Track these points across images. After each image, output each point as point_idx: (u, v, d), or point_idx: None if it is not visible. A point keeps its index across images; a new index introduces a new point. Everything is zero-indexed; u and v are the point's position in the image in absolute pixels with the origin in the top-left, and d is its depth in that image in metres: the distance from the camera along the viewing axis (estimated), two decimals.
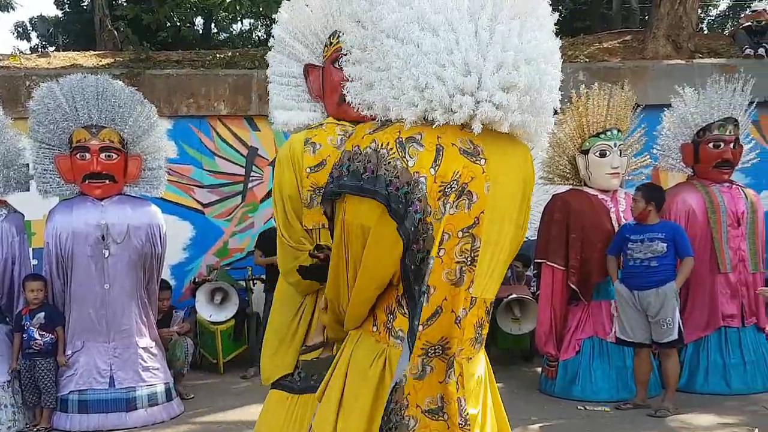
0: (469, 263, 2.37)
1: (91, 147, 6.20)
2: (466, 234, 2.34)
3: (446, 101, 2.27)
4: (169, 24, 15.43)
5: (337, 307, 2.58)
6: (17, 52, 11.82)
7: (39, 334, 6.07)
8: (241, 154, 9.48)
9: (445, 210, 2.29)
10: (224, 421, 6.40)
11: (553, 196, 7.14)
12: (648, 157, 7.67)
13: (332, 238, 2.54)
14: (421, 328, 2.36)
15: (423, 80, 2.27)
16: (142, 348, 6.35)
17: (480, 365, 2.54)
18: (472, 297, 2.41)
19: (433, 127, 2.31)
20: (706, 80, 7.30)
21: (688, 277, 6.56)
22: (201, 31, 18.38)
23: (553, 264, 6.95)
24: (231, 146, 9.47)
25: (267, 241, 8.11)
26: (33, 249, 7.33)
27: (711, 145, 7.19)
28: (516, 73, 2.26)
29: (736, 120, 7.20)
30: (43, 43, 20.94)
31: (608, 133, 6.97)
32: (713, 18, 21.89)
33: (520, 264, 8.30)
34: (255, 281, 8.70)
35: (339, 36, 3.77)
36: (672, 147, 7.47)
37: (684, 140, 7.35)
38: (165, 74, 9.52)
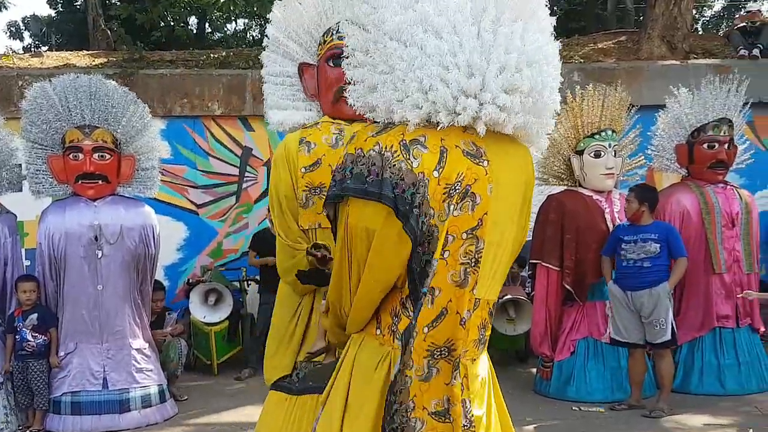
0: (473, 265, 2.38)
1: (84, 147, 6.18)
2: (470, 236, 2.36)
3: (450, 103, 2.29)
4: (162, 24, 15.39)
5: (339, 310, 2.58)
6: (10, 52, 11.78)
7: (32, 336, 6.03)
8: (236, 155, 9.45)
9: (449, 212, 2.31)
10: (218, 423, 6.38)
11: (548, 196, 7.13)
12: (642, 157, 7.69)
13: (335, 241, 2.54)
14: (426, 329, 2.38)
15: (427, 82, 2.28)
16: (136, 349, 6.32)
17: (483, 366, 2.55)
18: (475, 298, 2.42)
19: (437, 129, 2.32)
20: (701, 81, 7.31)
21: (683, 277, 6.56)
22: (195, 31, 18.33)
23: (547, 265, 6.95)
24: (225, 146, 9.44)
25: (261, 241, 8.11)
26: (26, 250, 7.28)
27: (705, 145, 7.20)
28: (519, 75, 2.29)
29: (730, 121, 7.21)
30: (36, 42, 20.84)
31: (603, 133, 6.97)
32: (708, 18, 21.93)
33: (515, 265, 8.28)
34: (249, 282, 8.68)
35: (333, 33, 3.77)
36: (666, 148, 7.47)
37: (678, 141, 7.35)
38: (159, 74, 9.49)
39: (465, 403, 2.42)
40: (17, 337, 6.05)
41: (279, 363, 3.68)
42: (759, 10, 10.73)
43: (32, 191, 6.39)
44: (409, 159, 2.29)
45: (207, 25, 18.75)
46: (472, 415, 2.43)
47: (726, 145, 7.19)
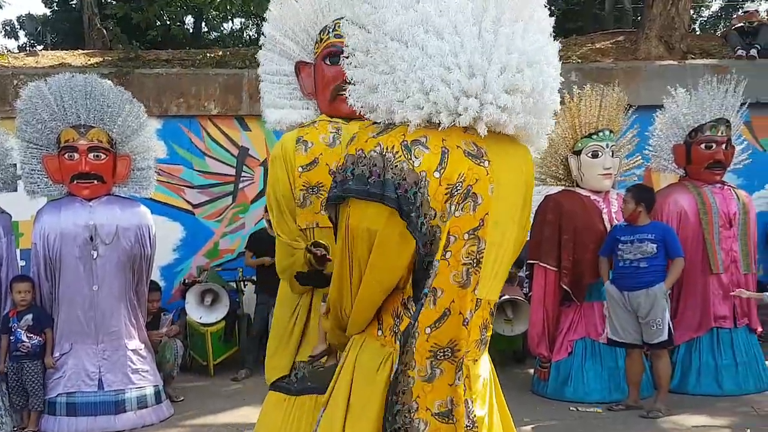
0: (474, 265, 2.39)
1: (79, 147, 6.15)
2: (472, 236, 2.36)
3: (451, 104, 2.29)
4: (158, 23, 15.35)
5: (340, 312, 2.58)
6: (5, 51, 11.72)
7: (26, 336, 6.00)
8: (232, 155, 9.43)
9: (450, 212, 2.31)
10: (214, 424, 6.36)
11: (545, 197, 7.12)
12: (640, 158, 7.68)
13: (336, 242, 2.54)
14: (428, 330, 2.38)
15: (428, 83, 2.28)
16: (131, 350, 6.30)
17: (485, 367, 2.56)
18: (477, 299, 2.43)
19: (438, 129, 2.32)
20: (698, 81, 7.31)
21: (680, 277, 6.55)
22: (191, 30, 18.30)
23: (545, 265, 6.93)
24: (221, 146, 9.42)
25: (258, 242, 8.09)
26: (21, 250, 7.27)
27: (703, 146, 7.19)
28: (520, 75, 2.29)
29: (728, 121, 7.21)
30: (32, 41, 20.76)
31: (600, 133, 6.96)
32: (705, 19, 21.94)
33: (512, 265, 8.27)
34: (246, 282, 8.66)
35: (329, 31, 3.75)
36: (664, 148, 7.47)
37: (676, 141, 7.34)
38: (154, 73, 9.46)
39: (467, 403, 2.43)
40: (12, 337, 6.02)
41: (278, 363, 3.66)
42: (756, 11, 10.77)
43: (27, 191, 6.35)
44: (410, 158, 2.29)
45: (203, 24, 18.73)
46: (475, 416, 2.44)
47: (723, 146, 7.19)
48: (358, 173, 2.33)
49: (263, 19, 4.00)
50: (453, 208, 2.31)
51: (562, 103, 7.28)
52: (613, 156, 7.01)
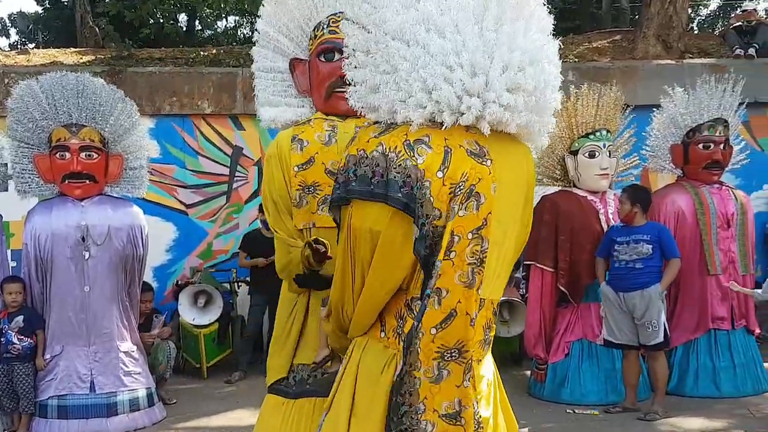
0: (478, 264, 2.39)
1: (71, 146, 6.09)
2: (476, 235, 2.37)
3: (454, 103, 2.29)
4: (152, 21, 15.26)
5: (342, 314, 2.58)
6: None
7: (17, 338, 5.94)
8: (226, 154, 9.37)
9: (454, 211, 2.32)
10: (208, 427, 6.32)
11: (542, 197, 7.06)
12: (637, 158, 7.65)
13: (337, 243, 2.54)
14: (434, 331, 2.38)
15: (431, 82, 2.29)
16: (124, 352, 6.25)
17: (488, 367, 2.56)
18: (480, 298, 2.43)
19: (441, 129, 2.33)
20: (696, 80, 7.27)
21: (678, 278, 6.52)
22: (185, 28, 18.22)
23: (542, 266, 6.89)
24: (215, 146, 9.36)
25: (252, 242, 8.05)
26: (11, 251, 7.20)
27: (701, 146, 7.15)
28: (522, 74, 2.31)
29: (726, 121, 7.17)
30: (23, 39, 20.70)
31: (597, 133, 6.92)
32: (703, 18, 21.94)
33: None
34: (240, 284, 8.62)
35: (323, 28, 3.69)
36: (661, 148, 7.43)
37: (673, 141, 7.31)
38: (147, 72, 9.39)
39: (474, 405, 2.44)
40: (2, 339, 5.96)
41: (275, 364, 3.61)
42: (755, 10, 10.79)
43: (18, 191, 6.29)
44: (413, 156, 2.30)
45: (197, 22, 18.67)
46: (480, 417, 2.45)
47: (721, 146, 7.15)
48: (360, 174, 2.34)
49: (257, 17, 3.92)
50: (456, 207, 2.31)
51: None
52: (610, 156, 6.98)
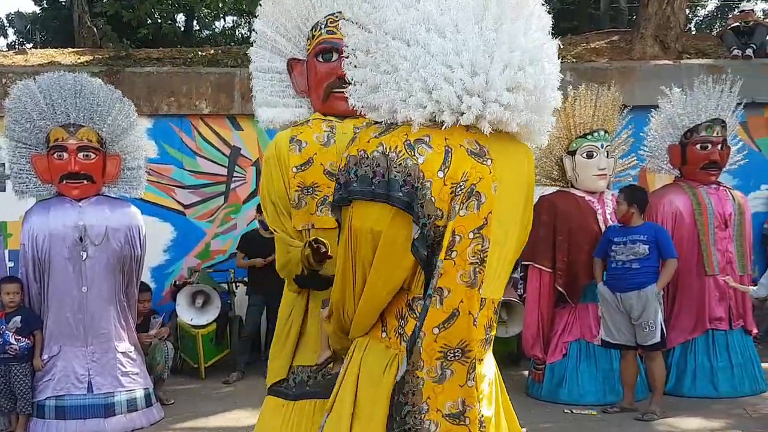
0: (480, 264, 2.39)
1: (68, 146, 6.08)
2: (477, 235, 2.37)
3: (455, 102, 2.30)
4: (149, 21, 15.23)
5: (342, 314, 2.57)
6: None
7: (15, 339, 5.92)
8: (224, 154, 9.35)
9: (455, 211, 2.32)
10: (205, 427, 6.31)
11: (539, 197, 7.06)
12: (635, 158, 7.66)
13: (338, 244, 2.54)
14: (436, 330, 2.37)
15: (431, 82, 2.29)
16: (121, 352, 6.23)
17: (490, 367, 2.56)
18: (482, 298, 2.43)
19: (441, 128, 2.33)
20: (694, 81, 7.26)
21: (676, 279, 6.52)
22: (182, 29, 18.19)
23: (540, 266, 6.89)
24: (213, 146, 9.34)
25: (249, 242, 8.04)
26: (9, 251, 7.19)
27: (698, 146, 7.16)
28: (522, 73, 2.31)
29: (723, 121, 7.18)
30: (21, 39, 20.66)
31: (595, 134, 6.92)
32: (701, 18, 21.92)
33: None
34: (237, 284, 8.60)
35: (321, 28, 3.68)
36: (659, 148, 7.43)
37: (671, 141, 7.31)
38: (145, 72, 9.38)
39: (477, 404, 2.44)
40: (0, 340, 5.93)
41: (275, 365, 3.60)
42: (752, 10, 10.74)
43: (16, 191, 6.29)
44: (414, 155, 2.30)
45: (195, 22, 18.63)
46: (482, 416, 2.45)
47: (719, 146, 7.15)
48: (361, 174, 2.34)
49: (255, 17, 3.91)
50: (457, 207, 2.31)
51: None
52: (608, 156, 6.98)
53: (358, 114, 2.55)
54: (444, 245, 2.31)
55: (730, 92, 7.18)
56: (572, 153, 6.96)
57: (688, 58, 10.21)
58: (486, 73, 2.29)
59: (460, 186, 2.31)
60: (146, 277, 7.79)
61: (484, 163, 2.36)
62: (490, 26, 2.31)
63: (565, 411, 6.48)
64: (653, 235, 6.29)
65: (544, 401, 6.80)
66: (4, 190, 6.55)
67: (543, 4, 2.50)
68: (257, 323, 8.10)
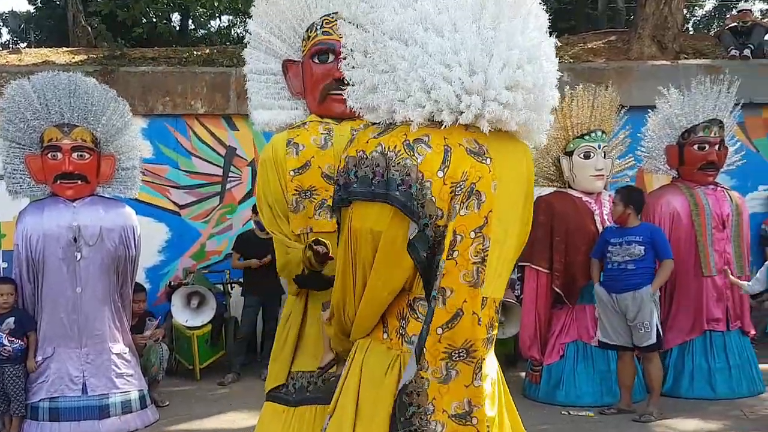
0: (481, 263, 2.39)
1: (62, 146, 6.05)
2: (478, 234, 2.36)
3: (453, 102, 2.29)
4: (144, 20, 15.18)
5: (343, 316, 2.57)
6: None
7: (8, 340, 5.88)
8: (219, 154, 9.33)
9: (456, 210, 2.31)
10: (200, 429, 6.29)
11: (537, 198, 7.02)
12: (632, 159, 7.65)
13: (338, 246, 2.54)
14: (440, 331, 2.37)
15: (430, 81, 2.28)
16: (116, 354, 6.20)
17: (492, 366, 2.55)
18: (483, 297, 2.42)
19: (440, 128, 2.33)
20: (692, 81, 7.25)
21: (673, 280, 6.50)
22: (177, 28, 18.13)
23: (537, 267, 6.87)
24: (208, 146, 9.31)
25: (245, 243, 8.01)
26: (3, 252, 7.15)
27: (696, 147, 7.14)
28: (521, 71, 2.30)
29: (721, 122, 7.16)
30: (15, 39, 20.58)
31: (592, 134, 6.91)
32: (699, 18, 21.95)
33: None
34: (233, 285, 8.58)
35: (316, 29, 3.63)
36: (657, 149, 7.42)
37: (669, 142, 7.30)
38: (140, 71, 9.35)
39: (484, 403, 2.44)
40: None
41: (274, 370, 3.55)
42: (750, 10, 10.74)
43: (9, 191, 6.25)
44: (413, 155, 2.29)
45: (190, 21, 18.60)
46: (487, 416, 2.44)
47: (716, 147, 7.14)
48: (361, 175, 2.33)
49: (251, 17, 3.87)
50: (458, 206, 2.31)
51: None
52: (605, 157, 6.97)
53: (355, 116, 2.54)
54: (446, 245, 2.31)
55: (728, 92, 7.17)
56: (569, 153, 6.94)
57: (685, 58, 10.21)
58: (484, 72, 2.28)
59: (460, 185, 2.31)
60: (141, 277, 7.76)
61: (484, 161, 2.36)
62: (488, 25, 2.31)
63: (563, 412, 6.47)
64: (649, 236, 6.28)
65: (542, 402, 6.77)
66: None
67: (540, 4, 2.50)
68: (253, 324, 8.08)
